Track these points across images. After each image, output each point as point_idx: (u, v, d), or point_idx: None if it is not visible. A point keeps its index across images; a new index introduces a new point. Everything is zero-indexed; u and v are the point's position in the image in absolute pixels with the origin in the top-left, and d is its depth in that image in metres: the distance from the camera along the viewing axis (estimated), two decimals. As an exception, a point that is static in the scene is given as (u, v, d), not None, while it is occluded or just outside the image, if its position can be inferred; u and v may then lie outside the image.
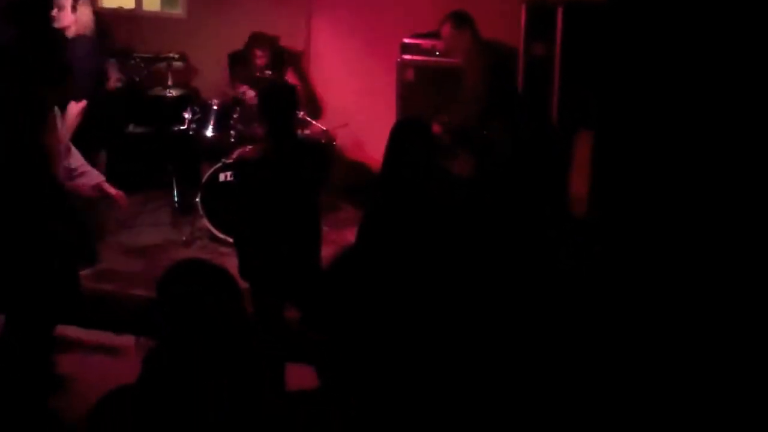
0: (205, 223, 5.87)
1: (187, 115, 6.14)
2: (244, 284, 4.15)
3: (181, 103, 6.43)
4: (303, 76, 6.76)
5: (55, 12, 5.22)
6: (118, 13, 7.02)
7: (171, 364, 2.05)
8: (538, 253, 3.92)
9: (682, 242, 3.46)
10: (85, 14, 5.30)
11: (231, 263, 3.84)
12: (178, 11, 7.36)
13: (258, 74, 6.35)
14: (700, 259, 3.42)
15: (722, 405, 3.27)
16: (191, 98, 6.67)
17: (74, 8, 5.22)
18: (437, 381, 3.31)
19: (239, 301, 2.13)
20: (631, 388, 3.37)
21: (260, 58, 6.42)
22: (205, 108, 6.15)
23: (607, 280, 3.57)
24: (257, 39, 6.47)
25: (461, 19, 5.85)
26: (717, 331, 3.34)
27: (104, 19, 6.81)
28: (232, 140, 6.08)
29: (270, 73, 6.33)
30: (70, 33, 5.25)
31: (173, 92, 6.66)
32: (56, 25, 5.23)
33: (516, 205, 4.12)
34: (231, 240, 5.80)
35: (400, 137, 3.77)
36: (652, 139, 3.53)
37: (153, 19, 7.31)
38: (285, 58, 6.68)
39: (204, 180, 5.87)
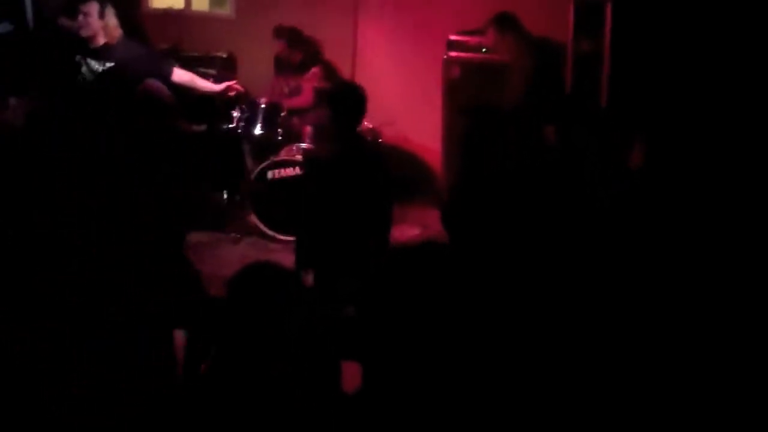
0: (254, 219, 5.94)
1: (235, 114, 6.22)
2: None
3: (229, 102, 6.50)
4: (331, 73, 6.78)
5: (80, 18, 4.81)
6: (167, 14, 7.12)
7: (236, 363, 2.10)
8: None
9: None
10: (112, 21, 4.87)
11: (281, 260, 3.88)
12: (226, 11, 7.45)
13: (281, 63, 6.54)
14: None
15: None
16: (239, 97, 6.74)
17: (102, 15, 4.81)
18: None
19: (304, 304, 2.18)
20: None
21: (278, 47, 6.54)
22: (253, 107, 6.22)
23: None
24: (275, 31, 6.57)
25: (504, 23, 5.83)
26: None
27: (153, 20, 6.98)
28: (280, 138, 6.15)
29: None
30: (99, 41, 4.85)
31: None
32: (83, 33, 4.82)
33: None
34: (280, 236, 5.88)
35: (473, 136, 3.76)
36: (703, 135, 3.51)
37: (202, 19, 7.40)
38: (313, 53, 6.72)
39: (253, 177, 5.94)
